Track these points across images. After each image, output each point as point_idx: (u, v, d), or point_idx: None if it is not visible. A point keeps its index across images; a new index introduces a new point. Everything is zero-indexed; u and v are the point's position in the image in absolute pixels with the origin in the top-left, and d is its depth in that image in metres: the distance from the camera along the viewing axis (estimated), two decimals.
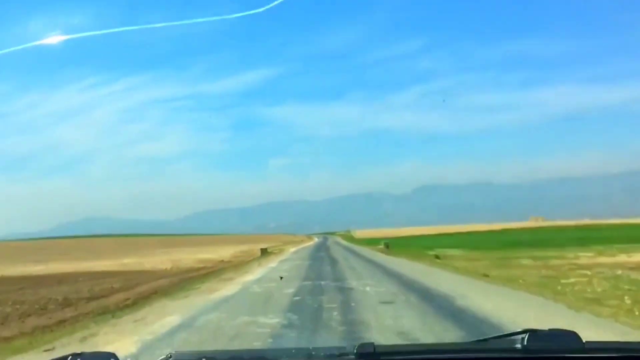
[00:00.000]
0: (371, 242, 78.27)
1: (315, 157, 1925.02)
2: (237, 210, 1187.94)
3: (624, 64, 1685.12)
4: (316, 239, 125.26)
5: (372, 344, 2.38)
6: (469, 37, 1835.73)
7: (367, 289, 15.76)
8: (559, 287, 14.78)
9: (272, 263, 32.67)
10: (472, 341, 2.84)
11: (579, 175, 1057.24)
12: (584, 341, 2.41)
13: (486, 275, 19.33)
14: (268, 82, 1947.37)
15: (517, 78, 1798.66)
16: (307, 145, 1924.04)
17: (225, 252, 52.09)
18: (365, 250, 50.85)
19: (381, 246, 54.62)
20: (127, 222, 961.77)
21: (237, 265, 33.25)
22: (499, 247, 46.41)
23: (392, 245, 53.99)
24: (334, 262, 31.41)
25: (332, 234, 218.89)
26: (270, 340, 8.52)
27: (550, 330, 2.52)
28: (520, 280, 16.96)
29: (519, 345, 2.44)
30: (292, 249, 60.20)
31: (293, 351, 2.41)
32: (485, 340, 2.73)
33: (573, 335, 2.46)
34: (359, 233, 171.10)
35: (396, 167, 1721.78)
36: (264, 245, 54.82)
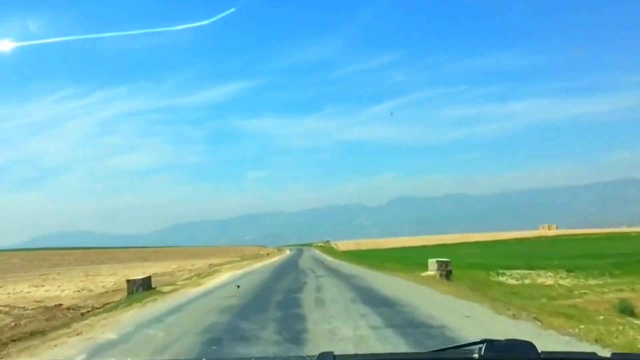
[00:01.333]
0: (359, 256, 61.43)
1: (291, 169, 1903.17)
2: (214, 222, 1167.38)
3: (593, 77, 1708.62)
4: (288, 252, 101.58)
5: (332, 353, 2.40)
6: (442, 51, 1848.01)
7: None
8: None
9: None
10: (430, 351, 2.84)
11: (548, 186, 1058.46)
12: (539, 351, 2.41)
13: None
14: (244, 94, 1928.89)
15: (488, 91, 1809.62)
16: (283, 157, 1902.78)
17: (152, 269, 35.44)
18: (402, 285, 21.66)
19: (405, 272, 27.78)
20: (102, 235, 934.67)
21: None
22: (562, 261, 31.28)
23: (400, 260, 37.83)
24: None
25: (309, 245, 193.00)
26: None
27: (507, 340, 2.48)
28: None
29: (476, 355, 2.42)
30: (222, 278, 30.76)
31: None
32: (442, 350, 2.71)
33: (529, 346, 2.43)
34: (341, 245, 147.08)
35: (371, 179, 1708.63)
36: (187, 265, 38.35)
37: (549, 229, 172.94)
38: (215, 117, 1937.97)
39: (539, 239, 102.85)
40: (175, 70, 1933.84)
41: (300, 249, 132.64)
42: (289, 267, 42.43)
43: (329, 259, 61.63)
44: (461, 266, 31.51)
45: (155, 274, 31.33)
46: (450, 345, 2.73)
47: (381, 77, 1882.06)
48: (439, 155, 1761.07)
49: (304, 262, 51.63)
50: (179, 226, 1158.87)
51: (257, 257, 75.53)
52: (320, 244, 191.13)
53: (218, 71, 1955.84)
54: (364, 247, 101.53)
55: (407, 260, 41.97)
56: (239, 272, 37.16)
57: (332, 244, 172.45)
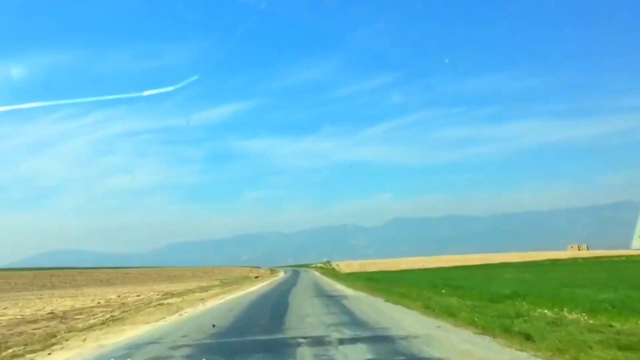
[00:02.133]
0: (373, 280, 47.40)
1: (288, 189, 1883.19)
2: (211, 242, 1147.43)
3: (587, 100, 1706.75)
4: (282, 274, 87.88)
5: None
6: (439, 72, 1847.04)
7: None
8: None
9: None
10: None
11: (545, 209, 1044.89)
12: None
13: None
14: (242, 115, 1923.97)
15: (486, 113, 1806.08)
16: (280, 177, 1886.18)
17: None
18: None
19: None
20: (99, 254, 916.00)
21: None
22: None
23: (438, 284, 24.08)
24: None
25: (307, 266, 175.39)
26: None
27: None
28: None
29: None
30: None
31: None
32: None
33: None
34: (343, 266, 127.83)
35: (368, 200, 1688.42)
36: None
37: (579, 249, 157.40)
38: (213, 137, 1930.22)
39: (574, 260, 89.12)
40: (173, 91, 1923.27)
41: (296, 270, 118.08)
42: (278, 304, 26.95)
43: (338, 286, 44.02)
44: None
45: (51, 313, 17.89)
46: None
47: (378, 98, 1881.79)
48: (435, 176, 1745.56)
49: (303, 294, 34.51)
50: (175, 246, 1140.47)
51: (242, 281, 61.84)
52: (319, 264, 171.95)
53: (215, 92, 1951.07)
54: (370, 269, 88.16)
55: (455, 289, 28.44)
56: (185, 314, 22.72)
57: (334, 264, 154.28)
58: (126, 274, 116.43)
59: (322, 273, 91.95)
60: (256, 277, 72.28)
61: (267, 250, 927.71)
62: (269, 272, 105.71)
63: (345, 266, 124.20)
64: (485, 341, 11.68)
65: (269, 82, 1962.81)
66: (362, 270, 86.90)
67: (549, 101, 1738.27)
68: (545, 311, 15.55)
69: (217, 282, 56.96)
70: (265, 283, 54.82)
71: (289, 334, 14.34)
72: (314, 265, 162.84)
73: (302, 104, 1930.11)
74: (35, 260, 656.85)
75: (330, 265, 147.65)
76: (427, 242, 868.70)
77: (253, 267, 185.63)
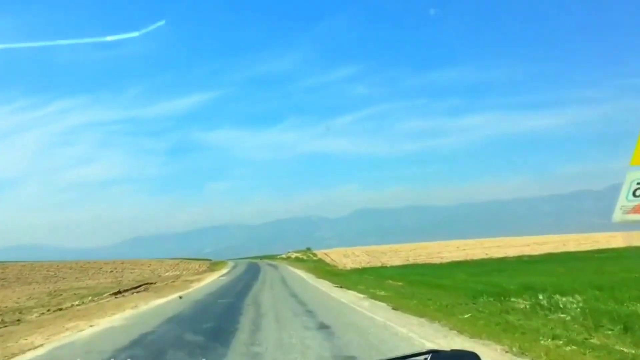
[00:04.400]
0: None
1: (253, 181, 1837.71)
2: (174, 235, 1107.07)
3: (545, 92, 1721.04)
4: (224, 272, 52.68)
5: None
6: (401, 64, 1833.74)
7: None
8: None
9: None
10: None
11: (507, 198, 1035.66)
12: None
13: None
14: (205, 106, 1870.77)
15: (448, 105, 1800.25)
16: (245, 169, 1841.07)
17: None
18: None
19: None
20: (53, 249, 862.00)
21: None
22: None
23: None
24: None
25: (273, 258, 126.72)
26: None
27: (452, 351, 2.44)
28: None
29: None
30: None
31: None
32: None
33: (473, 357, 2.41)
34: (334, 254, 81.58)
35: (333, 191, 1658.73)
36: None
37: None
38: (175, 128, 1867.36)
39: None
40: (135, 81, 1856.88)
41: (257, 264, 78.24)
42: None
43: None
44: None
45: None
46: (397, 356, 2.63)
47: (342, 90, 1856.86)
48: (399, 167, 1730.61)
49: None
50: (139, 239, 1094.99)
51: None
52: (293, 254, 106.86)
53: (178, 83, 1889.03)
54: (391, 261, 55.02)
55: None
56: None
57: (319, 253, 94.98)
58: (70, 268, 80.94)
59: (306, 269, 54.15)
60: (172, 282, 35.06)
61: (231, 242, 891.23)
62: (207, 268, 67.23)
63: (339, 255, 78.90)
64: None
65: (233, 73, 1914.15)
66: (376, 263, 52.85)
67: (510, 93, 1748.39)
68: None
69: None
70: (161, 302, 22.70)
71: None
72: (285, 257, 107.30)
73: (266, 95, 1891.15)
74: None
75: (313, 255, 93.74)
76: (392, 233, 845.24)
77: (205, 260, 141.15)
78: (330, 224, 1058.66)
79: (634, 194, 5.94)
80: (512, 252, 67.37)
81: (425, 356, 2.34)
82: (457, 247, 79.50)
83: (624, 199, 6.06)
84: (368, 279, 33.98)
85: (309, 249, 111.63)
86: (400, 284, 27.79)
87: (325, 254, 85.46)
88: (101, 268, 66.22)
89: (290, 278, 39.86)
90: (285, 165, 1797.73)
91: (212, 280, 40.19)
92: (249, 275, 45.59)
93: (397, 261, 63.79)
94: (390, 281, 29.94)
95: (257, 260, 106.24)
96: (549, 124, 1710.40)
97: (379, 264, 60.78)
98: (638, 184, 5.87)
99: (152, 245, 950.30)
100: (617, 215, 6.05)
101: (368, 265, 59.45)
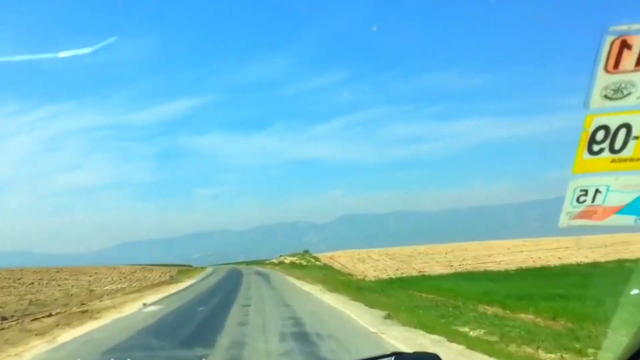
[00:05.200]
0: None
1: (240, 186, 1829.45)
2: (162, 241, 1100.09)
3: (534, 99, 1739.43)
4: (181, 287, 36.83)
5: None
6: (389, 70, 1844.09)
7: None
8: None
9: None
10: None
11: (493, 203, 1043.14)
12: None
13: None
14: (193, 111, 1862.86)
15: (434, 110, 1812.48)
16: (232, 175, 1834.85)
17: None
18: None
19: None
20: (46, 255, 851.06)
21: None
22: None
23: None
24: None
25: (261, 263, 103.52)
26: None
27: (414, 353, 2.44)
28: None
29: None
30: None
31: None
32: None
33: (435, 358, 2.44)
34: (342, 258, 64.79)
35: (320, 196, 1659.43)
36: None
37: None
38: (163, 134, 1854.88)
39: None
40: (123, 86, 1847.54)
41: (240, 271, 60.01)
42: None
43: None
44: None
45: None
46: (360, 358, 2.54)
47: (330, 95, 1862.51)
48: (386, 172, 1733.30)
49: None
50: (126, 245, 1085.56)
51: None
52: (287, 259, 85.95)
53: (166, 88, 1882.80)
54: (430, 268, 49.57)
55: None
56: None
57: (323, 257, 70.56)
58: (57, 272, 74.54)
59: (310, 281, 35.90)
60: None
61: (218, 248, 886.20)
62: (167, 277, 50.59)
63: (351, 259, 62.64)
64: None
65: (220, 78, 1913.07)
66: (404, 266, 51.01)
67: (496, 99, 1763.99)
68: None
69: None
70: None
71: None
72: (277, 262, 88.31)
73: (253, 100, 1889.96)
74: None
75: (315, 260, 72.33)
76: (377, 238, 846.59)
77: (187, 266, 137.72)
78: (317, 229, 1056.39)
79: (577, 201, 6.70)
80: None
81: (388, 358, 2.41)
82: (508, 249, 64.37)
83: (569, 205, 6.88)
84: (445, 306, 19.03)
85: (307, 251, 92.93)
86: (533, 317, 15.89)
87: (331, 257, 67.66)
88: (61, 277, 53.43)
89: (317, 315, 17.22)
90: (272, 170, 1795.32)
91: (143, 307, 22.63)
92: (219, 297, 27.01)
93: (437, 268, 51.91)
94: (484, 307, 18.59)
95: (243, 267, 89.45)
96: (533, 129, 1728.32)
97: (414, 272, 49.44)
98: (581, 190, 6.66)
99: (139, 251, 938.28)
100: (564, 221, 6.73)
101: (399, 274, 47.86)
